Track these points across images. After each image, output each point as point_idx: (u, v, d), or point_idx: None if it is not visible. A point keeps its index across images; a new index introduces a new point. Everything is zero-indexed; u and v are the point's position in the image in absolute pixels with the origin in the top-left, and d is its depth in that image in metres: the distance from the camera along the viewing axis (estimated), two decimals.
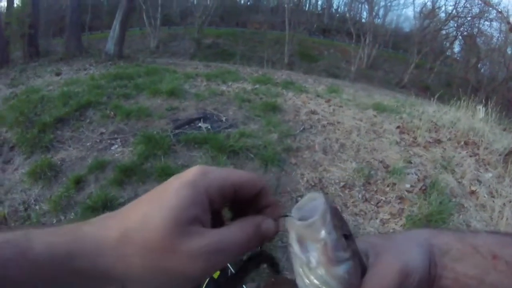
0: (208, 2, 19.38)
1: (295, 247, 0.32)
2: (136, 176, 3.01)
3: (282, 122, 4.36)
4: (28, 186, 3.18)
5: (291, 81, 7.74)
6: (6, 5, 15.24)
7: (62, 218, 2.70)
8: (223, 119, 4.40)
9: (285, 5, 18.63)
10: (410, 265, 0.35)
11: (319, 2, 27.94)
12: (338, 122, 4.52)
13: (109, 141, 3.76)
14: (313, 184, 3.09)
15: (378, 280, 0.33)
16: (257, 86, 6.42)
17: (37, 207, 2.90)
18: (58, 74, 8.71)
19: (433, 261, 0.38)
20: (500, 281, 0.35)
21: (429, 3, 23.03)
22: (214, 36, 17.69)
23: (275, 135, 3.90)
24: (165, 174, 2.97)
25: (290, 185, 3.09)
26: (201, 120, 4.27)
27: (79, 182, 3.08)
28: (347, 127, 4.38)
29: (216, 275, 2.05)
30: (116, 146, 3.68)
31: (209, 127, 4.09)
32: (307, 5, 26.26)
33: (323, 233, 0.30)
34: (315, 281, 0.31)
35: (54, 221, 2.68)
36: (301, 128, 4.18)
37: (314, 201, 0.33)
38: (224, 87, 6.04)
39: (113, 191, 2.86)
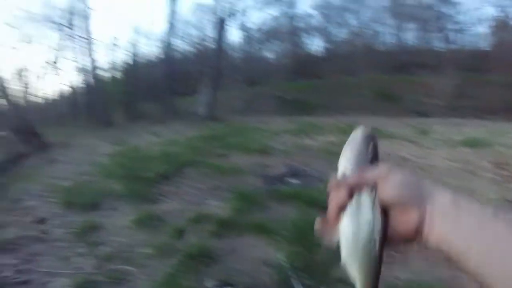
0: (286, 59, 20.35)
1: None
2: (232, 230, 3.17)
3: None
4: (133, 231, 3.45)
5: (376, 127, 7.63)
6: (110, 75, 17.94)
7: (165, 262, 2.85)
8: (311, 173, 4.50)
9: (356, 49, 18.48)
10: (393, 169, 0.47)
11: (390, 39, 26.82)
12: (430, 166, 4.32)
13: (206, 196, 4.05)
14: None
15: (371, 169, 0.49)
16: (341, 136, 6.46)
17: (141, 250, 3.09)
18: (156, 135, 9.64)
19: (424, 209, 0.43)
20: (487, 244, 0.38)
21: (500, 15, 20.77)
22: (295, 90, 18.08)
23: None
24: (260, 228, 3.07)
25: None
26: (290, 175, 4.42)
27: (180, 232, 3.29)
28: (439, 169, 4.17)
29: None
30: (213, 201, 3.94)
31: (298, 181, 4.21)
32: (378, 44, 25.66)
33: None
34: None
35: (157, 265, 2.84)
36: None
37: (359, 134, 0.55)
38: (309, 141, 6.20)
39: (212, 242, 3.01)
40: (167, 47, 14.01)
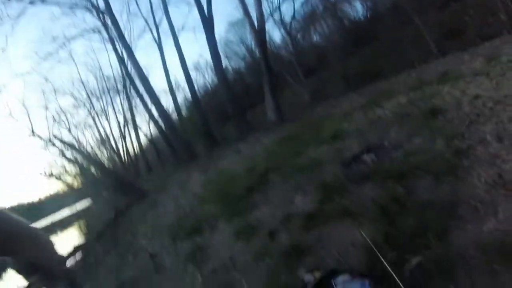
0: (335, 37, 19.50)
1: None
2: (319, 221, 3.33)
3: (445, 123, 4.08)
4: (232, 244, 3.90)
5: (444, 71, 7.18)
6: (177, 117, 19.60)
7: (264, 263, 3.13)
8: (386, 144, 4.41)
9: None
10: None
11: None
12: (505, 96, 3.92)
13: (291, 196, 4.26)
14: (492, 184, 2.54)
15: None
16: (410, 94, 6.24)
17: (242, 257, 3.48)
18: (237, 153, 10.20)
19: None
20: None
21: None
22: (355, 64, 17.02)
23: (441, 141, 3.62)
24: (344, 213, 3.15)
25: (468, 193, 2.58)
26: (366, 152, 4.35)
27: (272, 234, 3.55)
28: None
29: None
30: (298, 198, 4.14)
31: (374, 157, 4.15)
32: None
33: None
34: None
35: (257, 267, 3.14)
36: (467, 122, 3.79)
37: None
38: (380, 111, 6.06)
39: (301, 237, 3.18)
40: (219, 71, 14.84)
